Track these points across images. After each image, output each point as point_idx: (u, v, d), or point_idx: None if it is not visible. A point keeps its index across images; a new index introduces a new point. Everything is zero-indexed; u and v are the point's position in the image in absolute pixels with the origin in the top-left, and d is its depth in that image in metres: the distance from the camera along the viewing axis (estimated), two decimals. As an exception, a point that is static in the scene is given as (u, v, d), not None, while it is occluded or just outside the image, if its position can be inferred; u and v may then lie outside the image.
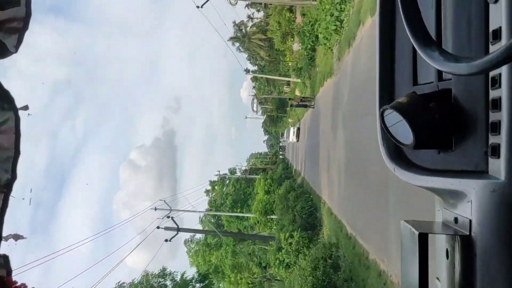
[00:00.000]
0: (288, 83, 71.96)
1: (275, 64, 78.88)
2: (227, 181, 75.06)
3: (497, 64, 0.87)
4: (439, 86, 1.46)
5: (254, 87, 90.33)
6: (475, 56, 1.05)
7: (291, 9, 51.83)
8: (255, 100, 76.68)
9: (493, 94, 1.20)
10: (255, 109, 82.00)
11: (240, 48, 74.12)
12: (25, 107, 1.36)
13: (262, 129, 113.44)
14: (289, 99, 37.99)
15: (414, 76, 1.64)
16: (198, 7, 30.23)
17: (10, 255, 1.28)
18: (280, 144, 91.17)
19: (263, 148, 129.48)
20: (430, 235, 1.29)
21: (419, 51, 1.11)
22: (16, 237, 1.42)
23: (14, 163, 1.26)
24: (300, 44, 34.04)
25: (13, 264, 1.30)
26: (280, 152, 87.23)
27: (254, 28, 72.71)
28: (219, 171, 65.33)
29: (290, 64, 54.22)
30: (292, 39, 52.01)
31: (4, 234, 1.32)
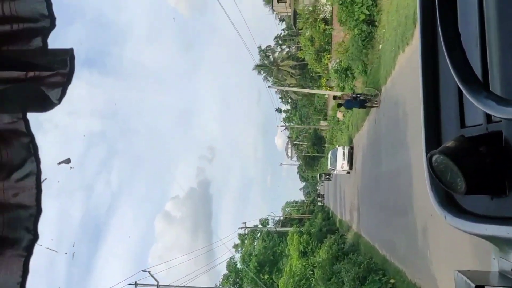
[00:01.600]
0: (325, 117, 62.35)
1: (309, 98, 70.21)
2: (258, 234, 64.46)
3: None
4: (488, 128, 1.39)
5: (285, 127, 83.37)
6: None
7: (325, 20, 42.10)
8: (289, 145, 75.26)
9: None
10: (289, 154, 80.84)
11: (268, 77, 67.03)
12: (68, 161, 1.41)
13: (298, 176, 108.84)
14: (334, 98, 25.63)
15: (461, 118, 1.56)
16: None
17: None
18: (318, 191, 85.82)
19: (300, 196, 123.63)
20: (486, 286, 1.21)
21: (467, 95, 1.07)
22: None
23: (35, 222, 1.22)
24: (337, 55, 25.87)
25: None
26: (318, 199, 79.98)
27: (284, 53, 64.62)
28: (244, 223, 53.58)
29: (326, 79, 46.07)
30: (328, 55, 41.82)
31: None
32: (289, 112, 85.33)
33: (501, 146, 1.31)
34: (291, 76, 63.16)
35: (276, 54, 64.73)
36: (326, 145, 58.28)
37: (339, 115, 37.86)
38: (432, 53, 1.65)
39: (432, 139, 1.68)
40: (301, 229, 38.67)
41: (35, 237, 1.22)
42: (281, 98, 78.60)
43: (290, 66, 61.60)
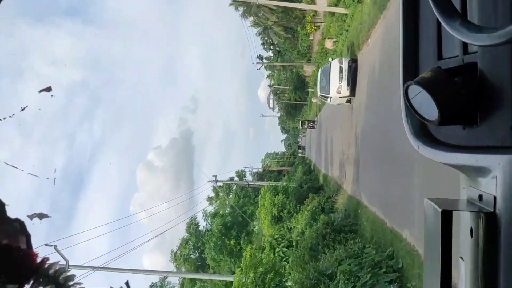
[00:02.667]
0: (309, 60, 55.40)
1: (292, 41, 63.22)
2: (234, 187, 58.88)
3: None
4: (464, 60, 1.41)
5: (262, 65, 77.33)
6: (501, 27, 1.00)
7: None
8: (271, 96, 73.18)
9: None
10: (271, 105, 79.48)
11: (246, 15, 58.77)
12: (48, 89, 1.42)
13: (280, 127, 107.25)
14: None
15: (438, 50, 1.58)
16: None
17: None
18: (299, 143, 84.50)
19: (281, 148, 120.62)
20: (454, 214, 1.24)
21: (441, 21, 1.10)
22: (41, 216, 1.39)
23: None
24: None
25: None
26: (299, 151, 75.71)
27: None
28: (215, 176, 45.26)
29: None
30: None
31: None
32: (271, 58, 79.78)
33: (476, 77, 1.32)
34: (272, 13, 55.81)
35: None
36: (309, 90, 51.73)
37: (329, 43, 30.21)
38: None
39: (409, 70, 1.71)
40: (278, 184, 32.70)
41: None
42: (262, 44, 73.60)
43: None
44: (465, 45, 1.39)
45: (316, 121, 41.62)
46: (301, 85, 56.63)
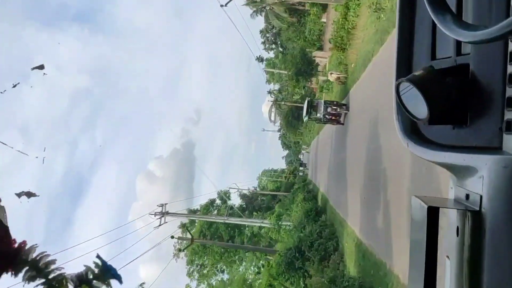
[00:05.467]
0: (321, 47, 41.01)
1: (297, 27, 48.99)
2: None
3: (509, 31, 0.86)
4: (457, 61, 1.43)
5: (267, 81, 69.70)
6: (491, 25, 1.02)
7: None
8: (273, 109, 68.43)
9: (510, 69, 1.18)
10: (272, 118, 73.47)
11: (257, 14, 50.12)
12: (41, 66, 1.47)
13: (280, 142, 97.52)
14: None
15: (432, 49, 1.60)
16: (222, 6, 29.98)
17: None
18: (301, 160, 76.85)
19: (282, 165, 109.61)
20: (441, 213, 1.24)
21: (432, 16, 1.12)
22: (29, 194, 1.37)
23: None
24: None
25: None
26: (300, 169, 68.83)
27: None
28: (163, 205, 27.75)
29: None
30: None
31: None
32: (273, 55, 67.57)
33: (467, 78, 1.33)
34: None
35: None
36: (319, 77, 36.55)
37: (332, 76, 24.56)
38: None
39: (402, 68, 1.71)
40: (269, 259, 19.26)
41: None
42: (263, 42, 66.95)
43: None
44: (458, 46, 1.40)
45: (346, 105, 21.65)
46: (307, 68, 38.10)
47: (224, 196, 52.36)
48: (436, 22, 1.11)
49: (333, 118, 21.96)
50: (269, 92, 71.17)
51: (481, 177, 1.20)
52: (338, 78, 23.70)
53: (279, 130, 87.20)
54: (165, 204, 26.57)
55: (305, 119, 25.89)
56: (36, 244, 1.16)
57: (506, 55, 1.20)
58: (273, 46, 67.85)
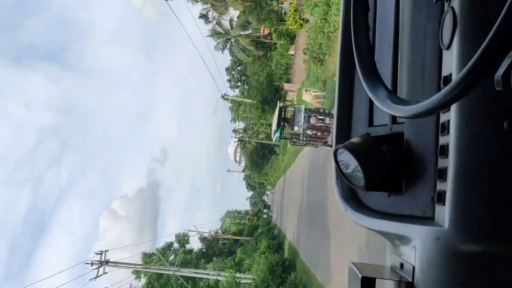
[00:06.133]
0: (288, 80, 38.65)
1: (263, 61, 46.91)
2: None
3: (438, 106, 0.89)
4: (392, 129, 1.47)
5: (232, 119, 65.04)
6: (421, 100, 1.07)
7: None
8: (238, 149, 67.55)
9: (442, 140, 1.21)
10: (237, 159, 73.54)
11: (222, 46, 47.68)
12: None
13: (245, 183, 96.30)
14: None
15: (370, 117, 1.65)
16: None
17: None
18: (265, 201, 76.62)
19: (247, 206, 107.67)
20: (378, 280, 1.25)
21: (368, 92, 1.14)
22: None
23: None
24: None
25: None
26: (265, 211, 65.89)
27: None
28: (102, 252, 23.19)
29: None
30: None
31: None
32: (237, 102, 66.33)
33: (402, 146, 1.38)
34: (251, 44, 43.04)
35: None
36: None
37: (308, 96, 19.59)
38: (350, 59, 1.66)
39: (341, 135, 1.75)
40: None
41: None
42: (229, 80, 66.59)
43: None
44: (394, 116, 1.40)
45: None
46: (274, 97, 35.08)
47: (183, 239, 48.16)
48: (370, 96, 1.11)
49: (318, 135, 14.90)
50: (234, 131, 69.20)
51: (414, 248, 1.19)
52: (315, 97, 19.40)
53: (243, 170, 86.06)
54: (105, 251, 22.30)
55: (275, 137, 18.75)
56: None
57: (437, 127, 1.22)
58: (239, 83, 66.90)
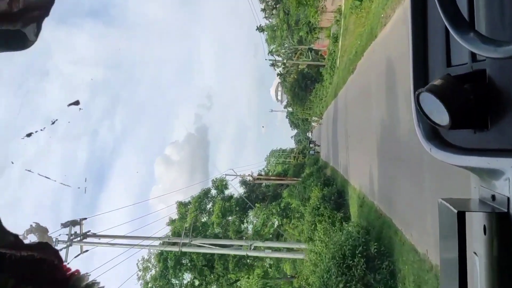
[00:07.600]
0: None
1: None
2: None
3: None
4: (473, 67, 1.45)
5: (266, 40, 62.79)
6: (510, 38, 1.08)
7: None
8: (279, 88, 68.01)
9: None
10: (279, 98, 75.02)
11: None
12: (77, 102, 1.56)
13: (288, 121, 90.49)
14: None
15: (447, 57, 1.63)
16: None
17: None
18: (310, 137, 71.41)
19: (291, 144, 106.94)
20: (467, 212, 1.27)
21: (454, 35, 1.14)
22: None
23: None
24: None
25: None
26: (310, 146, 61.05)
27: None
28: (78, 222, 15.08)
29: None
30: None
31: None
32: (273, 28, 60.49)
33: (485, 83, 1.36)
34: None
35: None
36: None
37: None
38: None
39: (419, 78, 1.74)
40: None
41: None
42: (263, 9, 62.08)
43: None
44: (473, 53, 1.40)
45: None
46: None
47: (220, 185, 42.85)
48: (457, 38, 1.11)
49: None
50: (272, 64, 62.83)
51: (507, 180, 1.21)
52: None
53: (285, 107, 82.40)
54: (81, 219, 15.68)
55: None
56: (88, 273, 1.20)
57: None
58: (273, 11, 61.75)
